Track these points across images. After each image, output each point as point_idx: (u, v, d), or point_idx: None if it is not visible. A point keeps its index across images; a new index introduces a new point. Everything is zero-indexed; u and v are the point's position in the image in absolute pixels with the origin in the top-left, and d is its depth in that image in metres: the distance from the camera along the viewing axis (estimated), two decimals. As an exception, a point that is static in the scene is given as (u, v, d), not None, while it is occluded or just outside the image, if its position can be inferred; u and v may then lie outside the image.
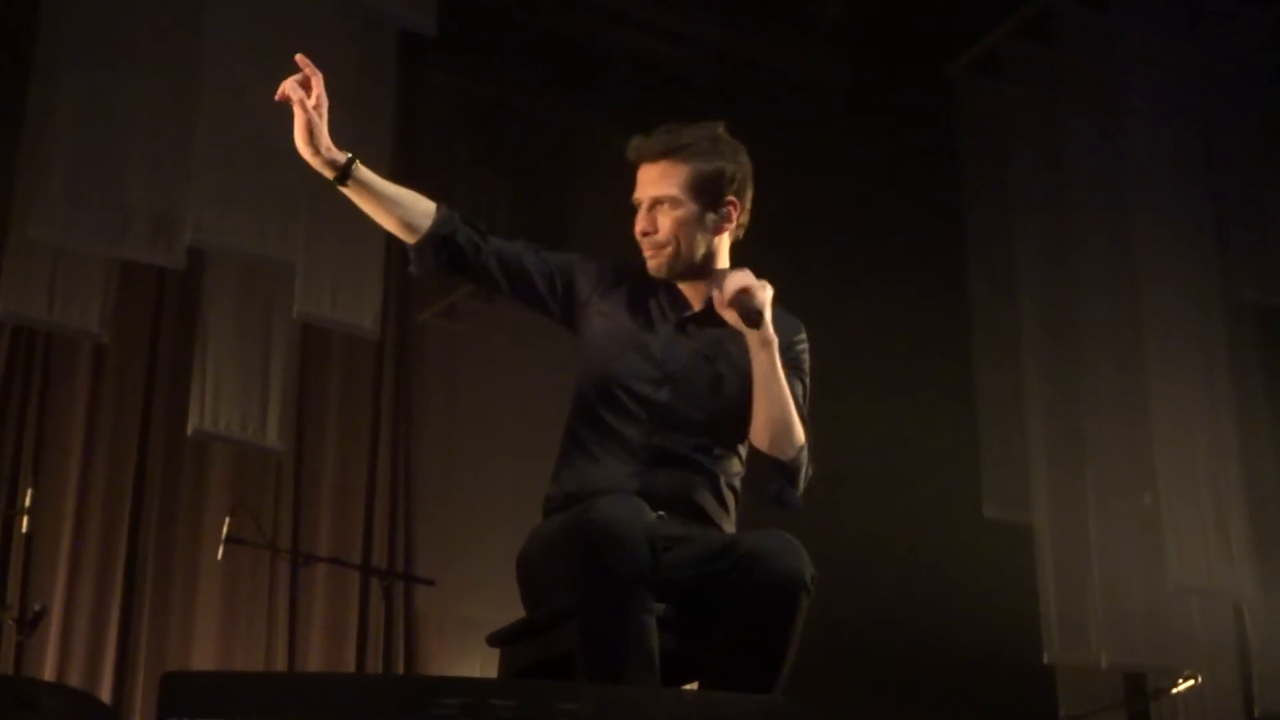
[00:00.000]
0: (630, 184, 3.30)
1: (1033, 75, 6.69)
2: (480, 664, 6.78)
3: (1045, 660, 5.93)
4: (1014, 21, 6.68)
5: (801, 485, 3.13)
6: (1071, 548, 6.02)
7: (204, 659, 6.76)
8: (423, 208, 3.18)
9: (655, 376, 3.18)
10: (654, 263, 3.21)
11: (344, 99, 5.80)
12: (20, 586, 6.40)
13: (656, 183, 3.20)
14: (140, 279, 6.64)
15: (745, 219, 3.27)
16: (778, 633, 2.88)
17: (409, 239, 3.19)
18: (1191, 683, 5.58)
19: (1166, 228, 6.21)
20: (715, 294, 3.09)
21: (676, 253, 3.18)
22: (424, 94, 7.48)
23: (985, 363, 6.48)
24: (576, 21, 7.09)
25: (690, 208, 3.19)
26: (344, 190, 3.12)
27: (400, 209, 3.16)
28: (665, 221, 3.19)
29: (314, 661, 7.02)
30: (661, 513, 2.98)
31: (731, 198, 3.22)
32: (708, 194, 3.20)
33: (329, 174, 3.09)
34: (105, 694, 6.44)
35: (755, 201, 3.29)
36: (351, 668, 7.00)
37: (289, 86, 3.06)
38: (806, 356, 3.29)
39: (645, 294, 3.27)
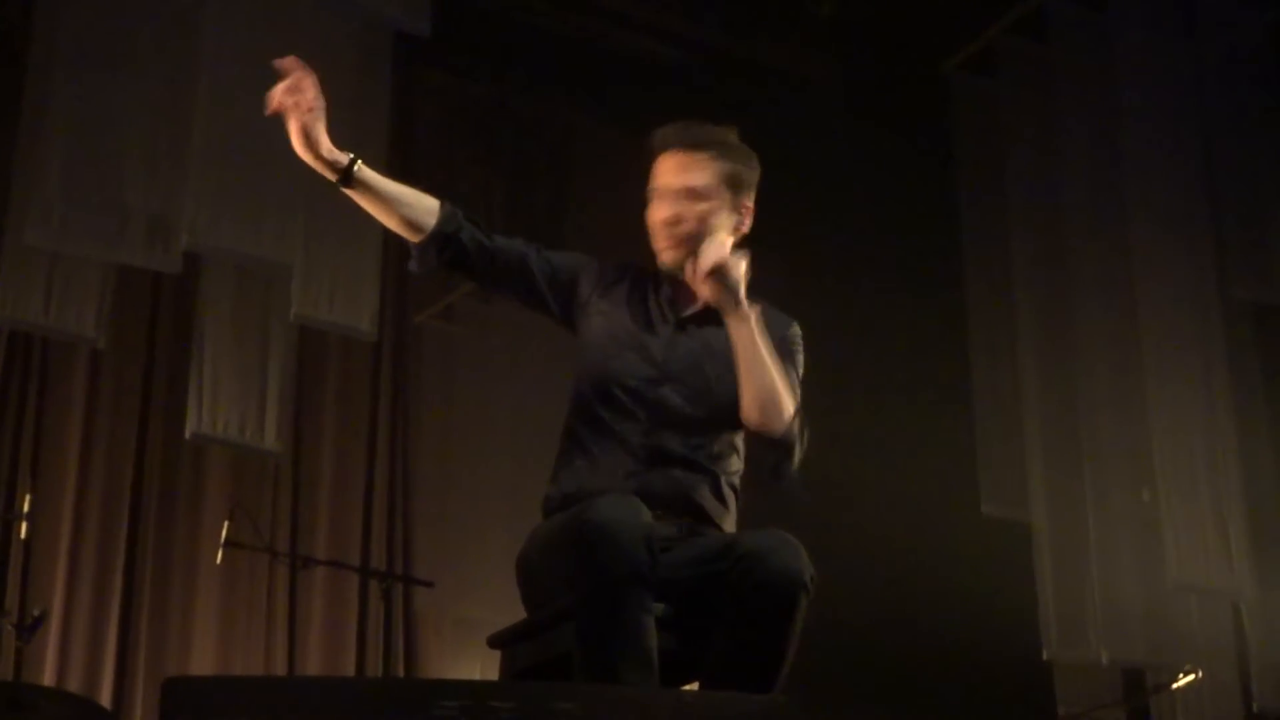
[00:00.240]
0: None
1: (1029, 74, 6.70)
2: (480, 665, 6.78)
3: (1044, 657, 5.93)
4: (1009, 20, 6.69)
5: (796, 459, 3.10)
6: (1070, 545, 6.02)
7: (203, 662, 6.76)
8: (427, 205, 3.17)
9: (654, 376, 3.18)
10: (671, 254, 3.18)
11: (340, 100, 5.79)
12: (19, 591, 6.39)
13: (688, 172, 3.19)
14: (136, 283, 6.63)
15: (749, 225, 3.28)
16: (776, 632, 2.87)
17: (412, 237, 3.17)
18: (1192, 678, 5.57)
19: (1163, 226, 6.22)
20: (688, 267, 3.08)
21: (695, 246, 3.12)
22: (420, 95, 7.48)
23: (983, 361, 6.49)
24: (573, 22, 7.09)
25: (718, 202, 3.19)
26: (348, 192, 3.10)
27: (405, 207, 3.14)
28: (692, 212, 3.17)
29: (313, 664, 7.02)
30: (659, 512, 2.98)
31: (748, 201, 3.24)
32: (734, 192, 3.21)
33: (331, 176, 3.07)
34: (105, 698, 6.44)
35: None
36: (351, 670, 7.00)
37: (280, 95, 3.01)
38: (801, 353, 3.30)
39: (644, 293, 3.27)
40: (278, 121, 3.07)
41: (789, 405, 3.06)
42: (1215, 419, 6.02)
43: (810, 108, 7.25)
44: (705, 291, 3.06)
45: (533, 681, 3.05)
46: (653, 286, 3.28)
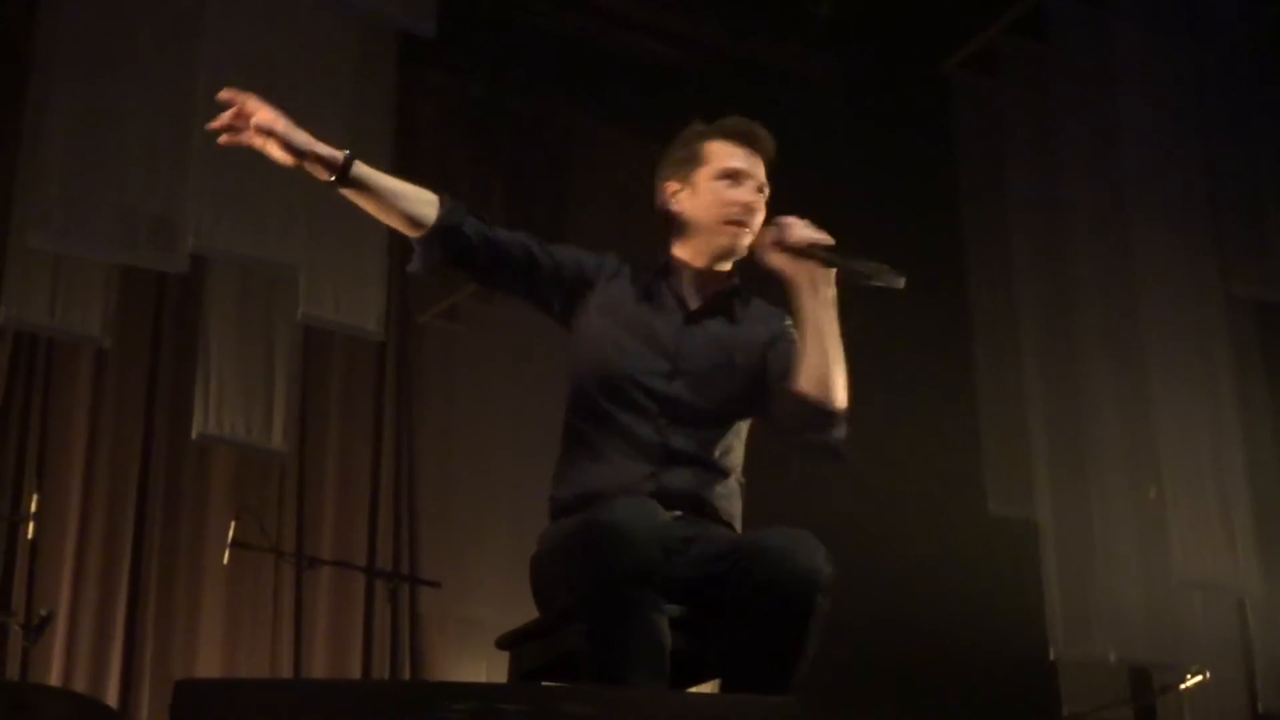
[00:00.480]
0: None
1: (1029, 73, 6.69)
2: (486, 665, 6.79)
3: (1051, 656, 5.93)
4: (1009, 19, 6.69)
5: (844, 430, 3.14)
6: (1075, 544, 6.02)
7: (209, 663, 6.77)
8: (426, 197, 3.09)
9: (666, 370, 3.17)
10: (744, 240, 3.22)
11: (343, 100, 5.88)
12: (26, 592, 6.40)
13: (759, 169, 3.28)
14: (141, 283, 6.65)
15: None
16: (791, 632, 2.85)
17: (412, 232, 3.10)
18: (1199, 679, 5.58)
19: (1164, 224, 6.21)
20: (774, 234, 3.12)
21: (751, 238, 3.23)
22: (419, 94, 7.48)
23: (986, 360, 6.50)
24: (572, 22, 7.08)
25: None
26: (345, 192, 3.03)
27: (404, 201, 3.07)
28: (761, 207, 3.25)
29: (319, 664, 7.04)
30: (678, 512, 2.99)
31: None
32: None
33: (326, 176, 3.00)
34: (111, 699, 6.45)
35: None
36: (357, 671, 7.01)
37: (233, 140, 2.99)
38: None
39: (650, 286, 3.26)
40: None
41: (845, 380, 3.11)
42: (1220, 416, 6.02)
43: (810, 107, 7.25)
44: (783, 263, 3.10)
45: (541, 683, 3.07)
46: (657, 279, 3.26)
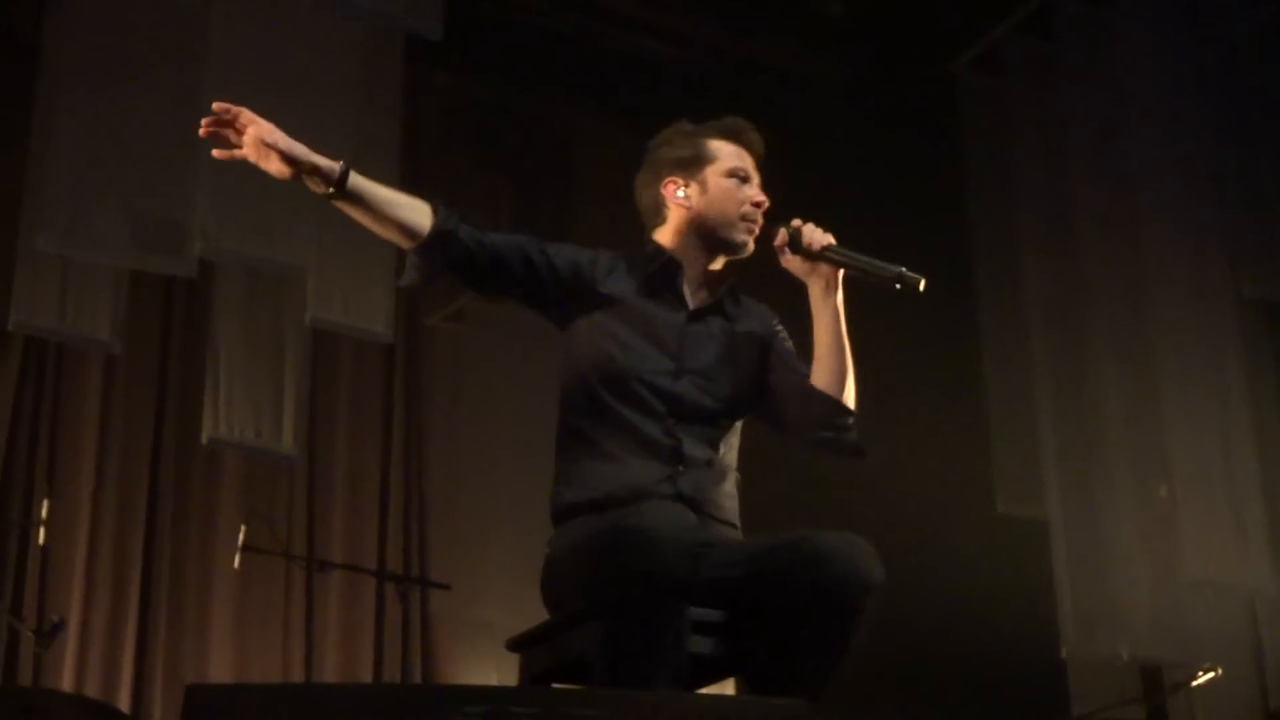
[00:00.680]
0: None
1: (1035, 72, 6.69)
2: (496, 667, 6.80)
3: (1062, 655, 5.92)
4: (1016, 18, 6.68)
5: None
6: (1086, 543, 6.02)
7: (221, 667, 6.78)
8: (420, 206, 3.04)
9: (671, 369, 3.17)
10: (753, 237, 3.26)
11: (349, 102, 5.88)
12: (37, 597, 6.41)
13: (758, 174, 3.30)
14: (149, 287, 6.65)
15: None
16: (839, 635, 2.86)
17: (407, 243, 3.05)
18: (1211, 675, 5.56)
19: (1172, 222, 6.20)
20: (784, 233, 3.16)
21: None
22: (425, 95, 7.48)
23: (994, 360, 6.49)
24: (576, 22, 7.08)
25: None
26: (340, 204, 2.98)
27: (400, 209, 3.01)
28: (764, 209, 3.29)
29: (330, 667, 7.04)
30: (693, 515, 2.99)
31: None
32: None
33: (321, 189, 2.96)
34: (123, 703, 6.46)
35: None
36: (368, 674, 7.01)
37: (227, 154, 2.97)
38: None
39: (651, 283, 3.25)
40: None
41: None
42: (1230, 414, 6.00)
43: (814, 106, 7.25)
44: (798, 266, 3.16)
45: (553, 686, 3.06)
46: (657, 277, 3.25)
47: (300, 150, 2.94)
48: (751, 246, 3.26)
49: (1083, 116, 6.46)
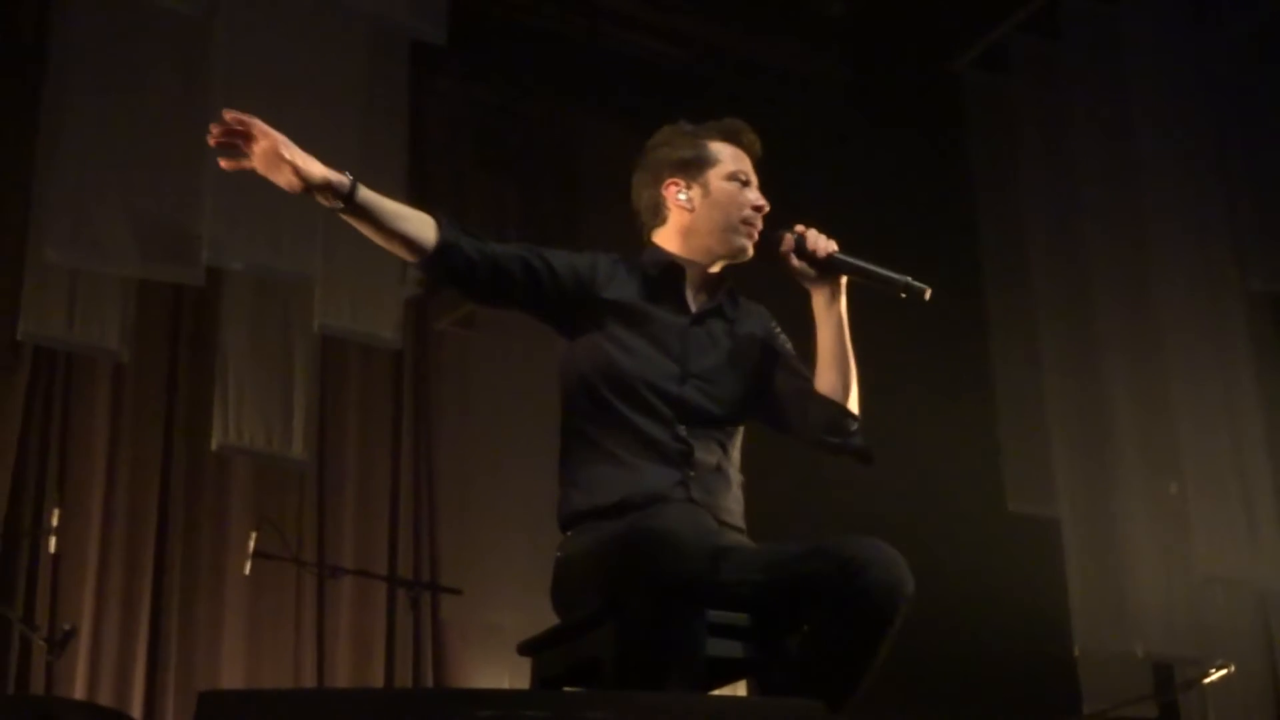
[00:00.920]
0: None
1: (1039, 71, 6.69)
2: (508, 672, 6.80)
3: (1075, 652, 5.92)
4: (1019, 17, 6.68)
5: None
6: (1097, 540, 6.01)
7: (232, 674, 6.78)
8: (425, 219, 3.04)
9: (676, 373, 3.17)
10: (753, 241, 3.26)
11: (355, 108, 5.89)
12: (49, 606, 6.41)
13: (756, 176, 3.31)
14: (157, 295, 6.65)
15: None
16: (871, 642, 2.86)
17: (412, 256, 3.05)
18: (1224, 672, 5.55)
19: (1180, 219, 6.21)
20: (790, 239, 3.18)
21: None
22: (428, 100, 7.48)
23: (1004, 358, 6.49)
24: (580, 25, 7.09)
25: None
26: (347, 217, 2.97)
27: (406, 223, 3.01)
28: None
29: (342, 673, 7.04)
30: (715, 520, 2.99)
31: None
32: None
33: (329, 203, 2.94)
34: (135, 711, 6.45)
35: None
36: (380, 679, 7.01)
37: (235, 164, 2.95)
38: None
39: (653, 287, 3.25)
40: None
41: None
42: (1240, 410, 6.01)
43: (819, 108, 7.25)
44: (803, 272, 3.18)
45: (564, 689, 3.07)
46: (659, 281, 3.25)
47: (311, 164, 2.93)
48: (751, 251, 3.26)
49: (1087, 115, 6.47)
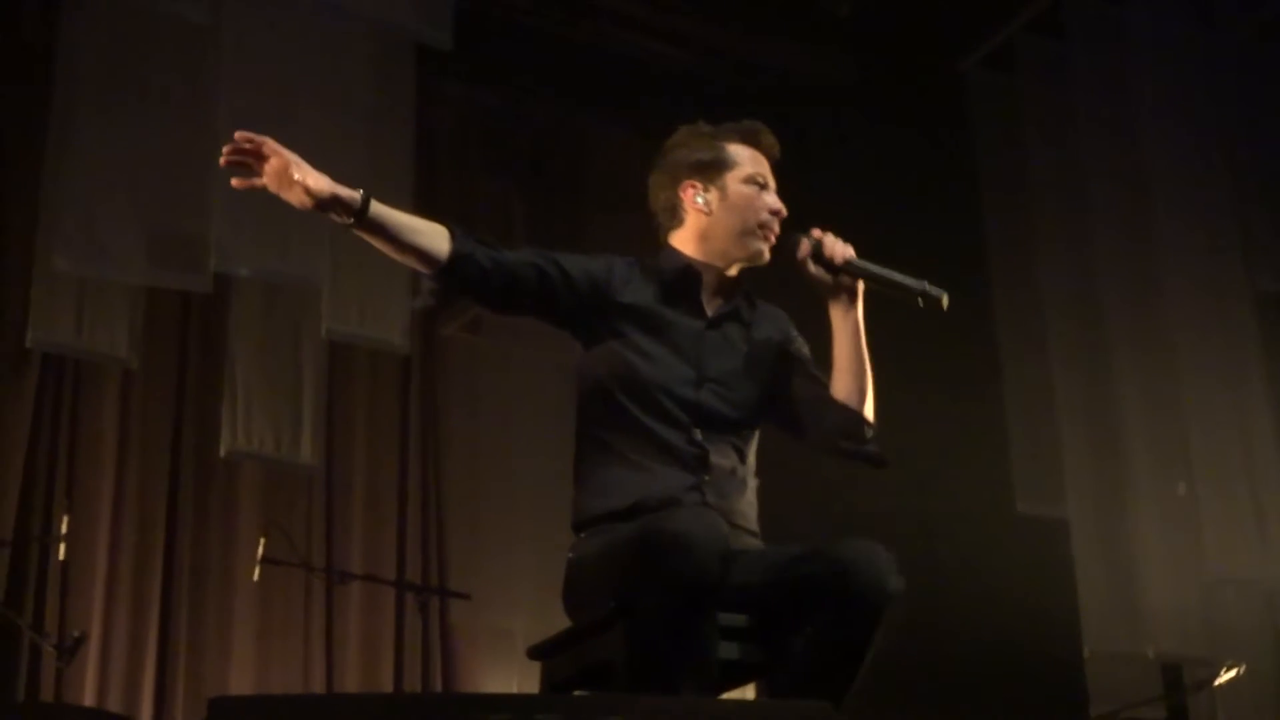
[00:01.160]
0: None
1: (1046, 70, 6.68)
2: (518, 676, 6.80)
3: (1085, 654, 5.91)
4: (1025, 16, 6.68)
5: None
6: (1107, 541, 6.00)
7: (242, 679, 6.78)
8: (438, 231, 3.03)
9: (693, 378, 3.17)
10: (769, 245, 3.25)
11: (362, 114, 5.90)
12: (58, 613, 6.41)
13: (773, 180, 3.29)
14: (166, 302, 6.66)
15: None
16: (863, 641, 2.88)
17: (426, 269, 3.03)
18: (1233, 673, 5.55)
19: (1188, 219, 6.21)
20: (806, 244, 3.17)
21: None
22: (435, 106, 7.48)
23: (1013, 360, 6.48)
24: (584, 28, 7.08)
25: None
26: (360, 232, 2.96)
27: (419, 236, 2.99)
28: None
29: (351, 679, 7.03)
30: (730, 523, 2.98)
31: None
32: None
33: (342, 219, 2.93)
34: (145, 717, 6.46)
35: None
36: (389, 684, 7.00)
37: (246, 183, 2.94)
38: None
39: (669, 290, 3.24)
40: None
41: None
42: (1249, 409, 6.00)
43: (824, 107, 7.24)
44: (820, 277, 3.16)
45: (576, 693, 3.06)
46: (674, 284, 3.24)
47: (322, 182, 2.92)
48: (768, 255, 3.25)
49: (1093, 114, 6.45)
